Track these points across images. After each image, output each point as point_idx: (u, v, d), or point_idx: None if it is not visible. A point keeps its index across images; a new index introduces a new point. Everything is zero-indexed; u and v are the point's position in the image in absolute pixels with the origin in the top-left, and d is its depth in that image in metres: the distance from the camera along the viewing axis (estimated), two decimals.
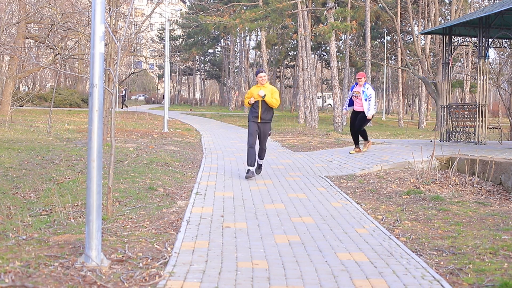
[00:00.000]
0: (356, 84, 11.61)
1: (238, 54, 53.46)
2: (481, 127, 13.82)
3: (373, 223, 5.81)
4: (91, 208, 4.09)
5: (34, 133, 15.45)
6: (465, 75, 37.37)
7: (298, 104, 33.77)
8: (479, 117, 13.80)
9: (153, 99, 68.25)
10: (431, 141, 15.01)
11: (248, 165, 8.48)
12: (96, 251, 4.09)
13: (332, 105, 25.78)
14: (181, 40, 59.73)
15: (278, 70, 56.13)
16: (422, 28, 36.75)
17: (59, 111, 29.96)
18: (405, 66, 36.13)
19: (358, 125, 11.40)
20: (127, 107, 37.01)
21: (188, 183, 8.16)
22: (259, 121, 8.56)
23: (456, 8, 30.66)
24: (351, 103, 11.57)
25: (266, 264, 4.30)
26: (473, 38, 16.22)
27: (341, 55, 40.36)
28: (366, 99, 11.14)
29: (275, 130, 22.78)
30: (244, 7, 30.74)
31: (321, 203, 6.84)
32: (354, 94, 11.41)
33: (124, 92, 38.90)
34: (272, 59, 49.39)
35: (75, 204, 6.16)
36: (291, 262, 4.37)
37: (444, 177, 8.59)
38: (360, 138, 11.77)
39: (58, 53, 18.29)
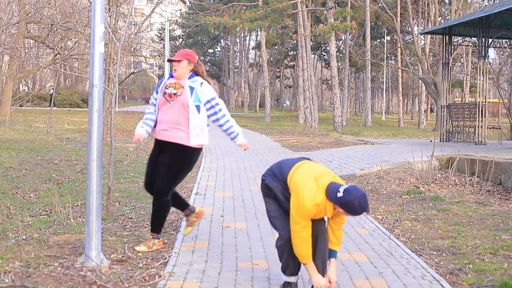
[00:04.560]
0: (170, 75, 4.72)
1: (238, 54, 53.45)
2: (481, 127, 13.83)
3: (373, 223, 5.81)
4: (91, 208, 4.09)
5: (34, 133, 15.44)
6: (465, 75, 37.36)
7: (298, 104, 33.76)
8: (479, 117, 13.80)
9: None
10: (431, 141, 15.01)
11: (288, 275, 3.75)
12: (96, 251, 4.09)
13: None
14: (181, 40, 59.64)
15: (278, 70, 56.14)
16: (422, 28, 36.75)
17: (59, 111, 29.93)
18: (405, 66, 36.11)
19: (163, 181, 4.53)
20: (55, 105, 36.65)
21: (188, 183, 8.16)
22: None
23: (456, 8, 30.65)
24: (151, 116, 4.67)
25: (266, 264, 4.30)
26: (473, 38, 16.23)
27: (341, 55, 40.36)
28: (198, 108, 4.49)
29: (274, 130, 22.67)
30: (244, 7, 30.73)
31: None
32: (166, 91, 4.54)
33: (52, 91, 38.87)
34: (272, 59, 49.37)
35: (75, 204, 6.15)
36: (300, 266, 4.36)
37: (444, 177, 8.58)
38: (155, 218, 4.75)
39: (58, 53, 18.26)
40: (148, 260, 4.32)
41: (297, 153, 13.12)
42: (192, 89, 4.49)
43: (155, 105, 4.61)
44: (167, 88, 4.53)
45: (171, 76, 4.68)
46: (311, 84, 28.13)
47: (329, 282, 3.57)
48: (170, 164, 4.49)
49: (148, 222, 5.60)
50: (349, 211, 3.30)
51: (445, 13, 40.05)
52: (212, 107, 4.53)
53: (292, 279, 3.73)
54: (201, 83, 4.54)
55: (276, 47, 46.38)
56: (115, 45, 5.51)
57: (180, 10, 47.69)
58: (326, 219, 3.66)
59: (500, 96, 21.28)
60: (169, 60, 4.58)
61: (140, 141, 4.51)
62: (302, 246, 3.45)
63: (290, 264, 3.67)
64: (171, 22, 39.48)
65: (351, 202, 3.26)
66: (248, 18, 26.48)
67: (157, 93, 4.62)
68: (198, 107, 4.47)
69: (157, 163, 4.55)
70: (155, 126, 4.61)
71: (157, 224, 4.65)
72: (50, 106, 36.01)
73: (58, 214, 5.62)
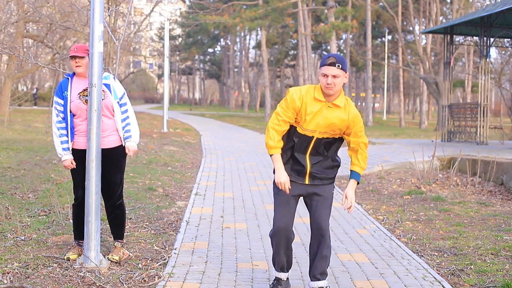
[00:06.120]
0: (71, 76, 4.31)
1: (238, 53, 53.43)
2: (483, 127, 13.81)
3: (374, 224, 5.78)
4: (89, 208, 4.06)
5: (32, 133, 15.40)
6: (467, 75, 37.33)
7: None
8: (480, 117, 13.78)
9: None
10: (433, 141, 14.98)
11: (277, 270, 3.75)
12: (95, 252, 4.07)
13: None
14: (180, 39, 59.66)
15: (278, 69, 56.11)
16: (424, 27, 36.72)
17: None
18: (406, 66, 36.09)
19: (120, 187, 4.38)
20: (35, 104, 36.67)
21: (188, 184, 8.13)
22: (306, 182, 3.66)
23: (457, 7, 30.60)
24: (72, 126, 4.24)
25: (266, 265, 4.28)
26: (474, 37, 16.20)
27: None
28: (118, 104, 4.33)
29: None
30: (244, 6, 30.71)
31: None
32: (79, 98, 4.21)
33: (35, 90, 38.80)
34: (272, 59, 49.35)
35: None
36: (292, 263, 4.33)
37: (446, 177, 8.55)
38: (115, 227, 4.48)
39: (57, 53, 18.24)
40: (148, 261, 4.30)
41: None
42: (108, 86, 4.27)
43: (64, 113, 4.19)
44: (86, 96, 4.15)
45: (72, 76, 4.28)
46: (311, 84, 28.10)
47: (346, 197, 3.59)
48: (119, 170, 4.32)
49: (147, 223, 5.57)
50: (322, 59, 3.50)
51: (447, 12, 40.03)
52: (124, 102, 4.33)
53: (281, 275, 3.73)
54: (114, 78, 4.36)
55: (277, 46, 46.37)
56: (114, 44, 5.48)
57: (180, 9, 47.65)
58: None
59: (502, 95, 21.28)
60: (71, 56, 4.18)
61: (73, 165, 4.23)
62: (270, 133, 3.53)
63: (278, 258, 3.68)
64: (171, 21, 39.45)
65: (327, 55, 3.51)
66: (248, 17, 26.47)
67: (62, 98, 4.19)
68: (118, 104, 4.31)
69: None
70: (72, 135, 4.21)
71: (124, 228, 4.46)
72: (35, 105, 36.06)
73: (57, 214, 5.59)
